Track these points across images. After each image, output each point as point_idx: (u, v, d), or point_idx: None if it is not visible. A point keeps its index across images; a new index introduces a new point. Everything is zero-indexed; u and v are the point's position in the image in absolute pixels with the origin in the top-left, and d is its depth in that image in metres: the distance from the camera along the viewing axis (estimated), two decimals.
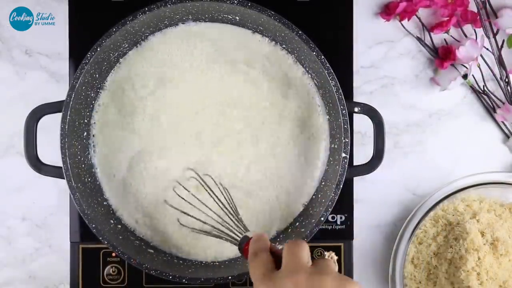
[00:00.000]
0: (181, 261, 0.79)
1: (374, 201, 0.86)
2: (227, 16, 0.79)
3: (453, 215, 0.82)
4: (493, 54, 0.85)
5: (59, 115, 0.74)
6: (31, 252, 0.85)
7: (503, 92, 0.85)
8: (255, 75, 0.80)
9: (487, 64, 0.85)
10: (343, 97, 0.74)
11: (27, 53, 0.85)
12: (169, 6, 0.74)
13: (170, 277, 0.74)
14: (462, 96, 0.87)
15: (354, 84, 0.85)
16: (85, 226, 0.75)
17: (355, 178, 0.83)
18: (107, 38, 0.74)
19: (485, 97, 0.86)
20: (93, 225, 0.74)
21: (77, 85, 0.74)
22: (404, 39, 0.86)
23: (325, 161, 0.81)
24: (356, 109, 0.76)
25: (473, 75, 0.85)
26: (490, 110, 0.86)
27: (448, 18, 0.83)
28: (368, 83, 0.86)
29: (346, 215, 0.84)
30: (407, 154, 0.86)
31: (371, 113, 0.76)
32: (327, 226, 0.84)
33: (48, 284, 0.85)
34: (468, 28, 0.85)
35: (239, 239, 0.69)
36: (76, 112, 0.76)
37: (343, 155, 0.74)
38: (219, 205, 0.74)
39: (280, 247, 0.64)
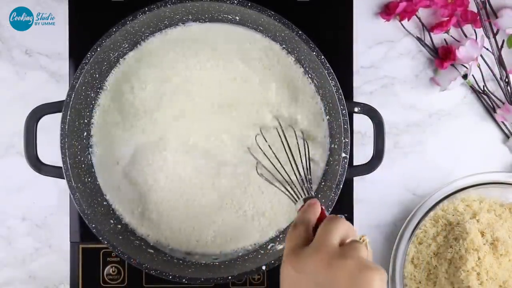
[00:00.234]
0: (181, 261, 0.79)
1: (374, 201, 0.86)
2: (227, 16, 0.79)
3: (453, 215, 0.82)
4: (493, 54, 0.85)
5: (59, 115, 0.74)
6: (31, 252, 0.85)
7: (503, 92, 0.85)
8: (255, 75, 0.80)
9: (487, 64, 0.85)
10: (343, 97, 0.74)
11: (27, 53, 0.85)
12: (169, 6, 0.74)
13: (170, 277, 0.74)
14: (462, 96, 0.87)
15: (354, 84, 0.85)
16: (85, 226, 0.75)
17: (355, 178, 0.83)
18: (107, 38, 0.74)
19: (485, 97, 0.86)
20: (93, 225, 0.74)
21: (77, 85, 0.74)
22: (404, 39, 0.86)
23: (325, 161, 0.81)
24: (356, 109, 0.76)
25: (473, 75, 0.85)
26: (490, 110, 0.86)
27: (448, 18, 0.83)
28: (368, 83, 0.86)
29: (346, 215, 0.83)
30: (407, 154, 0.86)
31: (371, 113, 0.76)
32: None
33: (48, 284, 0.85)
34: (468, 28, 0.85)
35: (297, 200, 0.69)
36: (76, 112, 0.76)
37: (343, 155, 0.74)
38: (294, 159, 0.75)
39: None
